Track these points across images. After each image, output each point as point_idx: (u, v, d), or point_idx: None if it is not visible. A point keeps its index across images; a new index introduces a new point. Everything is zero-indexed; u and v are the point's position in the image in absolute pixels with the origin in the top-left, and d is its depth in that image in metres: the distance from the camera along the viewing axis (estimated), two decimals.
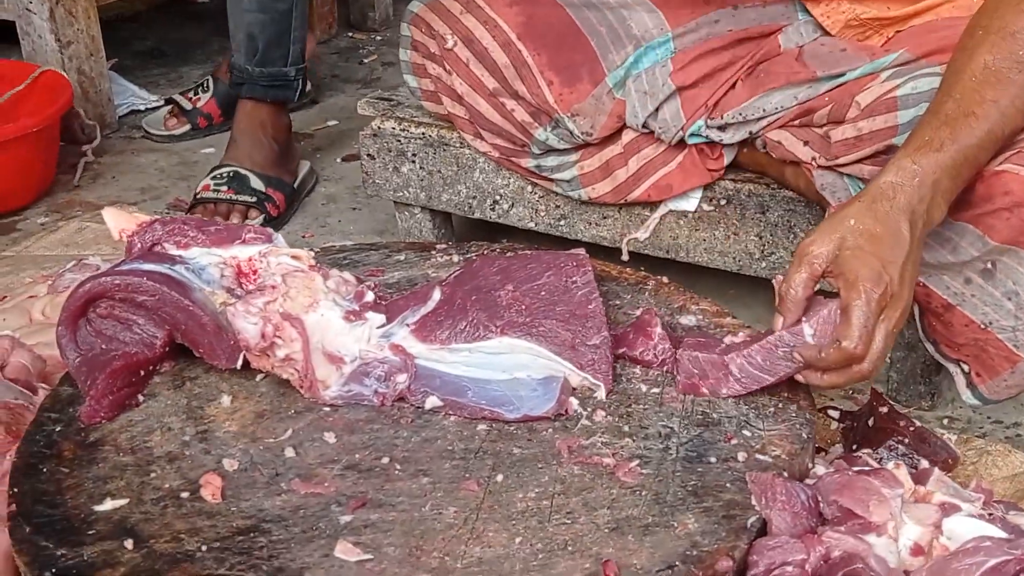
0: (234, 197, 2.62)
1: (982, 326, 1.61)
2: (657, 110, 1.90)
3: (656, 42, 1.92)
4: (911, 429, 1.68)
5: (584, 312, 1.49)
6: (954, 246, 1.60)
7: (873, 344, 1.39)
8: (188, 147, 3.12)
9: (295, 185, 2.77)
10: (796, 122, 1.81)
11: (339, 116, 3.30)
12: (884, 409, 1.71)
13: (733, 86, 1.89)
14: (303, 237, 2.61)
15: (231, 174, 2.66)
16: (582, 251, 1.59)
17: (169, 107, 3.23)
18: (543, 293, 1.51)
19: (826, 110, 1.76)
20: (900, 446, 1.65)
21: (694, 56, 1.88)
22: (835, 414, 1.86)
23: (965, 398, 1.71)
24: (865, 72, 1.76)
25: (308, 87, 3.20)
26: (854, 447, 1.70)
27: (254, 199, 2.63)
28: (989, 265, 1.58)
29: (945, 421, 1.92)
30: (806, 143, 1.79)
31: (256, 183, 2.65)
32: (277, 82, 2.74)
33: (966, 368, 1.68)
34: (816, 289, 1.44)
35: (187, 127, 3.16)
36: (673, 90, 1.87)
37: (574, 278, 1.53)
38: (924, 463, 1.58)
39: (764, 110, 1.82)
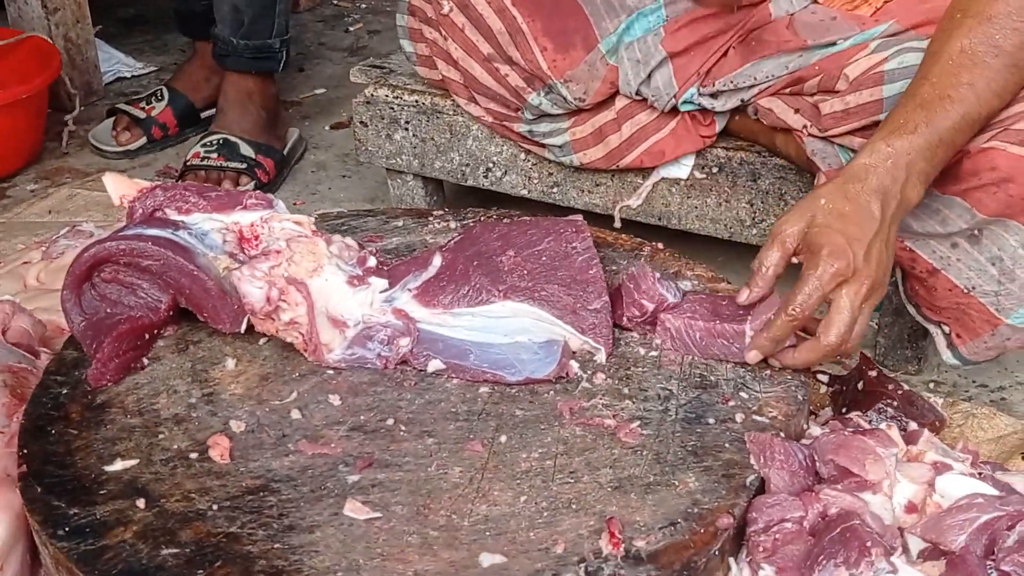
0: (224, 164, 2.63)
1: (965, 290, 1.64)
2: (649, 77, 1.92)
3: (648, 9, 1.94)
4: (899, 392, 1.71)
5: (585, 277, 1.51)
6: (943, 218, 1.63)
7: (837, 318, 1.42)
8: None
9: (284, 152, 2.78)
10: (787, 90, 1.83)
11: (326, 84, 3.30)
12: (873, 373, 1.74)
13: (725, 53, 1.91)
14: (294, 204, 2.62)
15: (221, 141, 2.67)
16: (579, 217, 1.62)
17: (114, 118, 2.98)
18: (544, 258, 1.54)
19: (816, 80, 1.78)
20: (889, 409, 1.69)
21: (685, 22, 1.90)
22: (824, 378, 1.89)
23: (945, 358, 1.74)
24: (855, 42, 1.78)
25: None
26: (844, 410, 1.73)
27: (244, 165, 2.63)
28: (976, 231, 1.61)
29: (931, 385, 1.95)
30: (797, 111, 1.81)
31: (246, 150, 2.66)
32: (262, 54, 2.74)
33: (947, 329, 1.72)
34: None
35: (143, 139, 2.92)
36: (665, 56, 1.88)
37: (574, 244, 1.55)
38: (913, 425, 1.62)
39: (755, 78, 1.84)
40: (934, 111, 1.50)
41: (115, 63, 3.40)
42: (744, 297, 1.47)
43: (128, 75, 3.38)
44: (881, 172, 1.48)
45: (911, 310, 1.75)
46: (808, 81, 1.79)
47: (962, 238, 1.63)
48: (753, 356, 1.45)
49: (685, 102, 1.91)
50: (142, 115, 2.93)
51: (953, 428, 1.79)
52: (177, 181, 2.61)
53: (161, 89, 2.99)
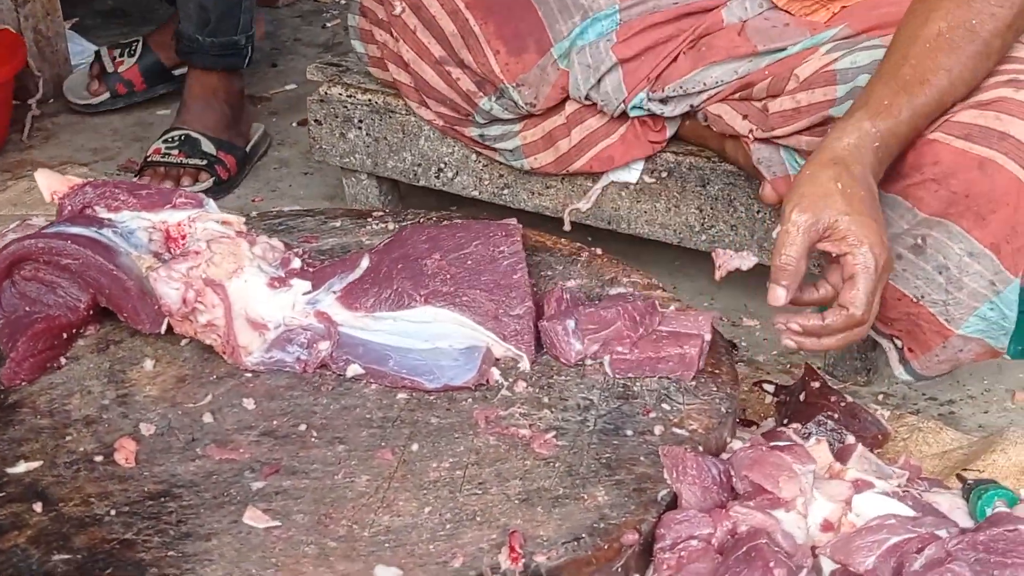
0: (184, 160, 2.60)
1: (914, 299, 1.61)
2: (599, 82, 1.89)
3: (603, 14, 1.91)
4: (842, 404, 1.69)
5: (509, 282, 1.49)
6: (887, 219, 1.61)
7: (874, 308, 1.42)
8: (145, 107, 3.08)
9: (247, 149, 2.75)
10: (736, 96, 1.80)
11: (298, 80, 3.25)
12: (816, 384, 1.72)
13: (675, 59, 1.87)
14: (252, 201, 2.59)
15: (182, 137, 2.64)
16: (513, 220, 1.59)
17: (91, 65, 3.01)
18: (469, 262, 1.51)
19: (765, 83, 1.75)
20: (829, 421, 1.66)
21: (638, 29, 1.87)
22: (770, 388, 1.87)
23: (898, 374, 1.71)
24: (805, 47, 1.75)
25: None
26: (785, 421, 1.70)
27: (204, 162, 2.60)
28: (919, 240, 1.58)
29: (880, 397, 1.92)
30: (744, 116, 1.78)
31: (207, 146, 2.63)
32: (228, 51, 2.70)
33: (899, 344, 1.69)
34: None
35: (105, 95, 2.96)
36: (615, 62, 1.86)
37: (501, 248, 1.52)
38: (851, 439, 1.59)
39: (705, 84, 1.81)
40: (915, 95, 1.48)
41: (87, 56, 3.35)
42: (781, 297, 1.41)
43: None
44: (869, 154, 1.46)
45: None
46: (757, 85, 1.76)
47: (905, 248, 1.60)
48: (797, 341, 1.44)
49: (634, 107, 1.88)
50: (111, 68, 2.97)
51: (897, 442, 1.76)
52: (137, 176, 2.60)
53: (138, 41, 3.00)
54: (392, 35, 2.05)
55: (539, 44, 1.93)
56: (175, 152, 2.62)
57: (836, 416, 1.67)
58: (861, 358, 1.93)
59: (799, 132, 1.72)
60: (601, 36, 1.90)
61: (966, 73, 1.50)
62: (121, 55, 2.99)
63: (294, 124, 2.99)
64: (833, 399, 1.69)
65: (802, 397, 1.72)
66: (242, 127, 2.76)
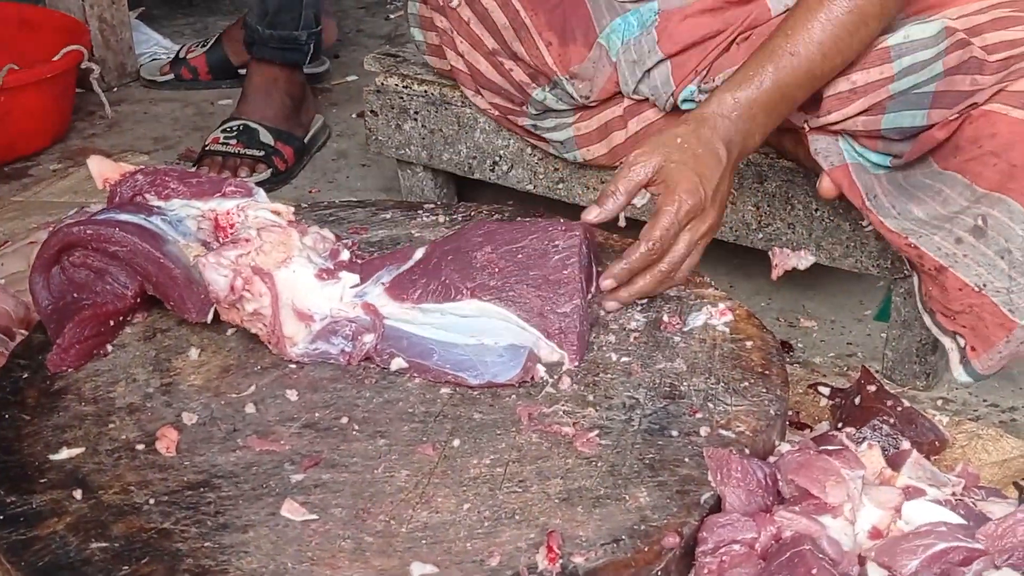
0: (242, 151, 2.61)
1: (976, 288, 1.57)
2: (647, 75, 1.86)
3: (644, 6, 1.88)
4: (899, 409, 1.64)
5: (558, 278, 1.46)
6: (944, 197, 1.59)
7: (675, 248, 1.51)
8: (205, 97, 3.10)
9: (306, 140, 2.75)
10: None
11: (359, 71, 3.25)
12: (872, 388, 1.67)
13: (727, 49, 1.84)
14: (309, 192, 2.59)
15: (241, 127, 2.65)
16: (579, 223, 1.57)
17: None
18: (520, 256, 1.48)
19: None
20: (885, 426, 1.62)
21: (680, 19, 1.83)
22: (825, 391, 1.83)
23: (957, 375, 1.67)
24: None
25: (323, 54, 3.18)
26: (839, 425, 1.66)
27: (262, 153, 2.61)
28: (980, 222, 1.54)
29: (939, 402, 1.87)
30: (799, 107, 1.74)
31: (265, 137, 2.63)
32: (287, 45, 2.71)
33: (962, 342, 1.64)
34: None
35: (170, 76, 3.15)
36: (661, 57, 1.82)
37: (556, 243, 1.49)
38: (905, 444, 1.55)
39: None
40: (781, 66, 1.58)
41: (152, 44, 3.39)
42: (593, 215, 1.52)
43: (164, 57, 3.37)
44: (727, 123, 1.57)
45: (926, 319, 1.67)
46: None
47: (965, 231, 1.56)
48: (608, 284, 1.51)
49: (685, 100, 1.84)
50: (183, 54, 3.17)
51: (955, 449, 1.71)
52: (195, 165, 2.61)
53: (217, 36, 3.16)
54: (451, 23, 2.04)
55: (586, 36, 1.91)
56: (233, 142, 2.63)
57: (892, 421, 1.63)
58: (921, 362, 1.88)
59: (854, 116, 1.67)
60: (643, 27, 1.87)
61: (840, 43, 1.59)
62: (198, 45, 3.16)
63: (353, 116, 3.00)
64: (890, 403, 1.65)
65: (858, 400, 1.68)
66: (302, 118, 2.76)
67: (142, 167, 1.63)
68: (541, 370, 1.41)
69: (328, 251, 1.51)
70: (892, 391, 1.69)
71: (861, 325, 2.07)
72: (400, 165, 2.31)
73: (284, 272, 1.43)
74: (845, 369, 1.93)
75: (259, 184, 2.37)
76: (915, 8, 1.68)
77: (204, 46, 3.16)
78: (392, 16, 3.74)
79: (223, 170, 2.57)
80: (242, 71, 2.99)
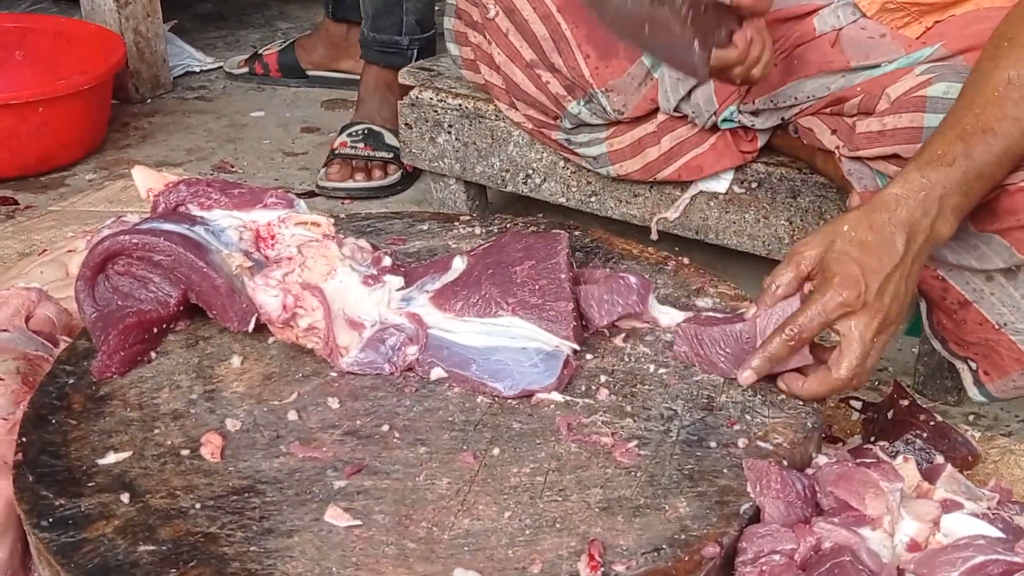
0: (372, 153, 2.69)
1: (996, 326, 1.58)
2: (689, 94, 1.87)
3: None
4: (931, 423, 1.65)
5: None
6: (980, 254, 1.58)
7: (848, 351, 1.37)
8: (238, 109, 3.15)
9: None
10: (827, 110, 1.77)
11: None
12: (905, 402, 1.69)
13: None
14: (342, 203, 2.62)
15: (366, 131, 2.74)
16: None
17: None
18: (562, 274, 1.50)
19: (857, 100, 1.72)
20: (918, 440, 1.63)
21: None
22: (857, 404, 1.84)
23: (971, 394, 1.68)
24: (900, 65, 1.71)
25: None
26: (872, 439, 1.67)
27: (391, 155, 2.68)
28: (1014, 267, 1.54)
29: (971, 417, 1.88)
30: (834, 132, 1.76)
31: (391, 139, 2.70)
32: (389, 49, 2.80)
33: (973, 366, 1.65)
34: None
35: (245, 69, 3.39)
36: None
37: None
38: (939, 459, 1.56)
39: (796, 98, 1.79)
40: (974, 143, 1.44)
41: (185, 57, 3.44)
42: (751, 313, 1.42)
43: (197, 70, 3.42)
44: (912, 204, 1.42)
45: (936, 345, 1.69)
46: (849, 101, 1.73)
47: (998, 272, 1.56)
48: (747, 376, 1.39)
49: (725, 119, 1.87)
50: (259, 49, 3.45)
51: (988, 464, 1.72)
52: (325, 167, 2.68)
53: (292, 39, 3.41)
54: (485, 37, 2.06)
55: (628, 51, 1.92)
56: (361, 145, 2.72)
57: (925, 435, 1.64)
58: (952, 377, 1.89)
59: (884, 158, 1.68)
60: None
61: None
62: (275, 43, 3.45)
63: None
64: (922, 418, 1.66)
65: (890, 415, 1.69)
66: None
67: (185, 177, 1.65)
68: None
69: (368, 259, 1.53)
70: (924, 406, 1.70)
71: (890, 341, 2.07)
72: (433, 177, 2.34)
73: (332, 283, 1.45)
74: (876, 383, 1.94)
75: (390, 186, 2.55)
76: (967, 47, 1.69)
77: (280, 46, 3.40)
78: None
79: (354, 172, 2.66)
80: (310, 72, 3.33)
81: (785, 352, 1.37)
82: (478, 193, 2.34)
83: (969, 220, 1.53)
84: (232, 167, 2.80)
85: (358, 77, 2.92)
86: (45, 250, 2.28)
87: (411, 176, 2.72)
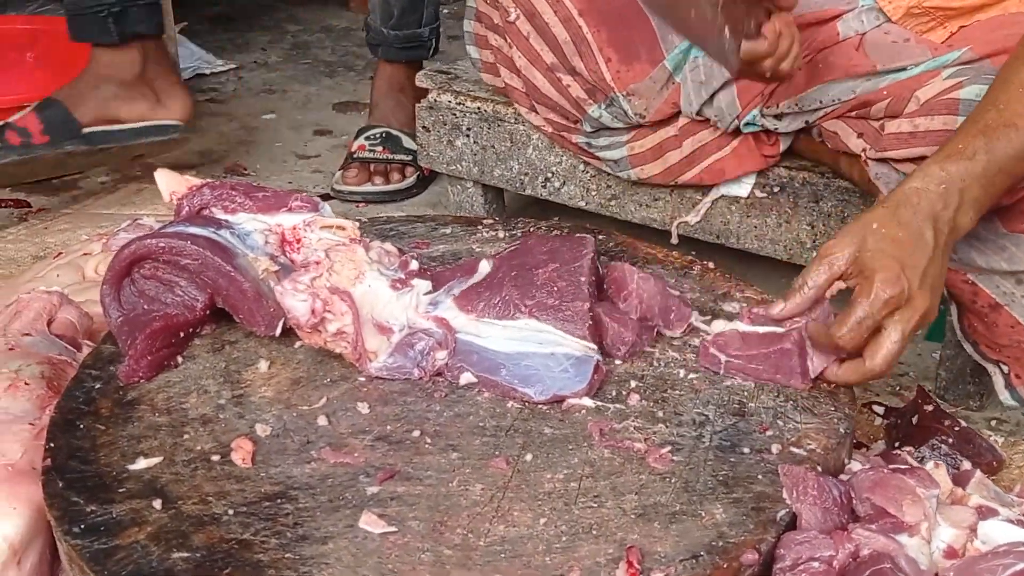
0: (391, 156, 2.68)
1: None
2: (712, 98, 1.87)
3: None
4: (956, 429, 1.65)
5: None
6: (1010, 255, 1.57)
7: (885, 344, 1.38)
8: (250, 112, 3.14)
9: None
10: (852, 113, 1.77)
11: None
12: (929, 407, 1.68)
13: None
14: (356, 207, 2.61)
15: (384, 135, 2.72)
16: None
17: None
18: (582, 276, 1.50)
19: (884, 103, 1.72)
20: (943, 446, 1.63)
21: None
22: (880, 410, 1.83)
23: (1003, 399, 1.68)
24: (927, 68, 1.71)
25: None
26: (896, 444, 1.67)
27: (409, 157, 2.67)
28: None
29: (993, 422, 1.88)
30: (859, 135, 1.75)
31: (408, 143, 2.68)
32: (411, 44, 2.77)
33: (1005, 369, 1.65)
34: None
35: None
36: (728, 79, 1.84)
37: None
38: (967, 464, 1.55)
39: (821, 102, 1.78)
40: (996, 138, 1.44)
41: (196, 59, 3.43)
42: (778, 310, 1.44)
43: (208, 71, 3.42)
44: (933, 197, 1.43)
45: (968, 348, 1.68)
46: (875, 105, 1.73)
47: None
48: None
49: (748, 123, 1.86)
50: (9, 119, 2.48)
51: (1012, 469, 1.72)
52: (343, 171, 2.68)
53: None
54: (506, 41, 2.06)
55: (650, 53, 1.92)
56: (379, 148, 2.70)
57: (950, 440, 1.64)
58: (974, 382, 1.88)
59: (913, 160, 1.68)
60: None
61: None
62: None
63: None
64: (947, 423, 1.66)
65: (915, 420, 1.69)
66: None
67: (209, 181, 1.65)
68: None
69: (396, 263, 1.53)
70: (947, 411, 1.69)
71: (912, 345, 2.07)
72: (450, 180, 2.33)
73: (360, 288, 1.44)
74: (898, 388, 1.94)
75: (406, 189, 2.54)
76: (994, 51, 1.68)
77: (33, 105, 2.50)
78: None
79: (373, 176, 2.65)
80: (87, 130, 2.47)
81: (832, 352, 1.40)
82: (495, 196, 2.33)
83: (999, 220, 1.53)
84: (245, 170, 2.79)
85: (172, 122, 2.54)
86: (60, 253, 2.27)
87: (426, 179, 2.71)
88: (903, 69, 1.74)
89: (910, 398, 1.77)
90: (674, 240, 2.03)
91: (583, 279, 1.48)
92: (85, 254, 2.21)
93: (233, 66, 3.47)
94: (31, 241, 2.40)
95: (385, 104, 2.78)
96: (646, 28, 1.93)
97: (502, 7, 2.04)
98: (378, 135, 2.72)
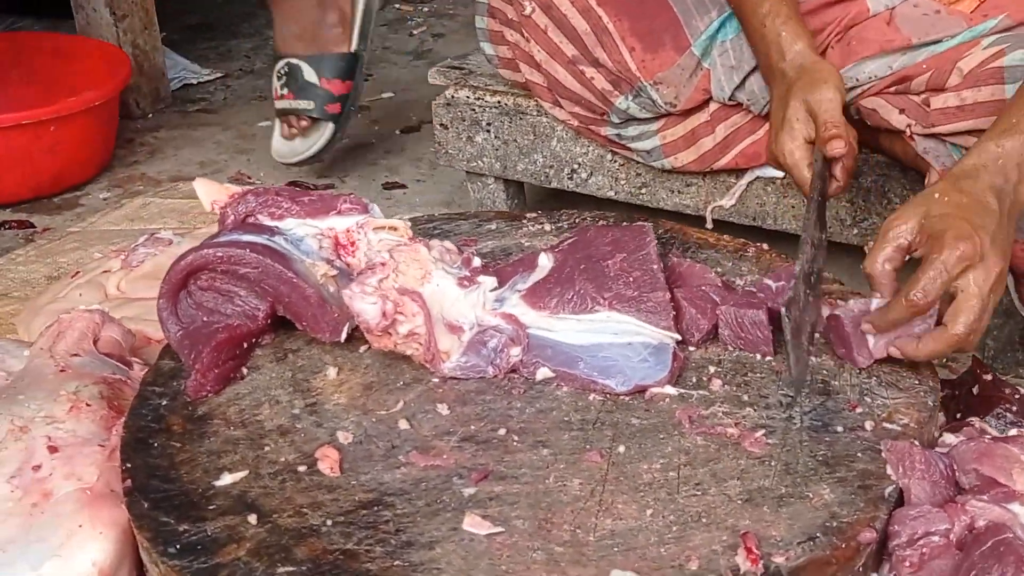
0: (294, 104, 2.49)
1: None
2: (744, 82, 1.85)
3: None
4: (1016, 396, 1.64)
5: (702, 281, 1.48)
6: None
7: (966, 304, 1.34)
8: (244, 120, 3.09)
9: (354, 48, 2.52)
10: (891, 89, 1.76)
11: (394, 88, 3.26)
12: (988, 377, 1.67)
13: (823, 52, 1.83)
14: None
15: (285, 69, 2.49)
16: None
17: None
18: (654, 265, 1.49)
19: (924, 77, 1.70)
20: (1008, 414, 1.61)
21: None
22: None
23: None
24: (964, 39, 1.70)
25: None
26: (958, 416, 1.66)
27: (311, 104, 2.47)
28: None
29: None
30: (902, 111, 1.74)
31: (309, 75, 2.46)
32: None
33: None
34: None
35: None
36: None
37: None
38: None
39: (858, 79, 1.77)
40: None
41: (181, 69, 3.38)
42: (875, 304, 1.39)
43: (195, 81, 3.36)
44: (992, 171, 1.42)
45: None
46: (915, 79, 1.72)
47: None
48: (866, 329, 1.38)
49: None
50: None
51: None
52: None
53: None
54: (523, 35, 2.03)
55: (676, 40, 1.90)
56: (286, 92, 2.51)
57: (1014, 408, 1.63)
58: (1023, 350, 1.88)
59: (964, 133, 1.67)
60: (740, 31, 1.87)
61: None
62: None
63: (397, 132, 2.99)
64: (1008, 391, 1.65)
65: (975, 390, 1.68)
66: (331, 16, 2.52)
67: (252, 187, 1.61)
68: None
69: (458, 261, 1.51)
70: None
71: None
72: (469, 177, 2.30)
73: (428, 287, 1.42)
74: (946, 361, 1.93)
75: (325, 146, 2.39)
76: None
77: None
78: (415, 32, 3.74)
79: (294, 133, 2.52)
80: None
81: (908, 316, 1.35)
82: (517, 191, 2.31)
83: None
84: (249, 178, 2.74)
85: None
86: (78, 272, 2.21)
87: (342, 117, 2.46)
88: (938, 42, 1.73)
89: (959, 370, 1.77)
90: (708, 225, 2.02)
91: (656, 267, 1.46)
92: (105, 271, 2.16)
93: (220, 75, 3.42)
94: (42, 262, 2.34)
95: (279, 14, 2.46)
96: (668, 14, 1.91)
97: (516, 1, 2.02)
98: (282, 72, 2.46)
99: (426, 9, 3.92)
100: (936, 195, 1.41)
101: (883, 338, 1.39)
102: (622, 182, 2.09)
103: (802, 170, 1.61)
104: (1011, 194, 1.43)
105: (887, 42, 1.76)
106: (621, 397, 1.38)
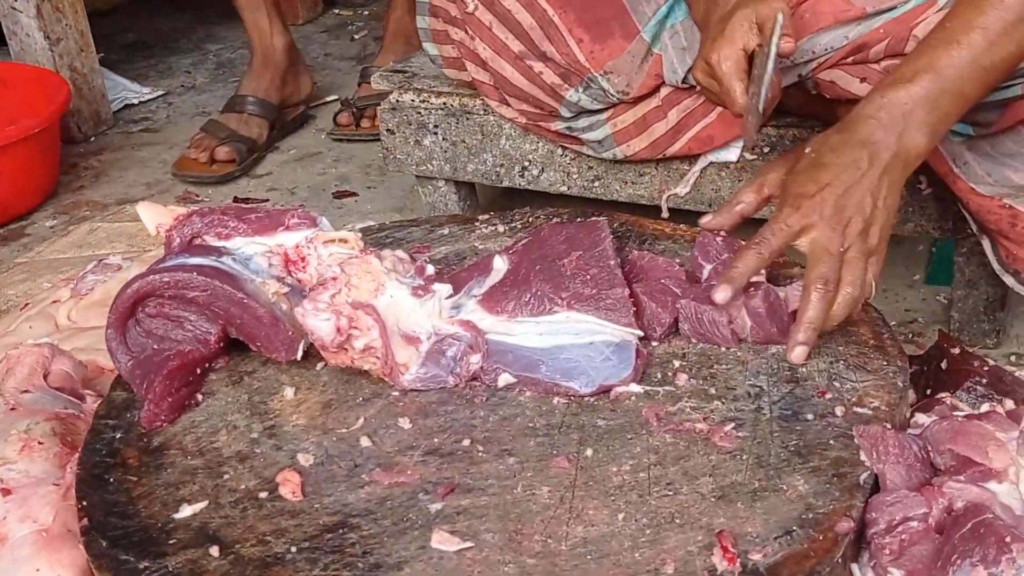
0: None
1: None
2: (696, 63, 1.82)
3: None
4: (986, 368, 1.63)
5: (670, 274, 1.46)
6: None
7: (815, 261, 1.37)
8: (186, 137, 3.03)
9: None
10: (849, 59, 1.73)
11: (339, 94, 3.22)
12: (955, 350, 1.65)
13: None
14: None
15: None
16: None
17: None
18: (611, 261, 1.46)
19: (882, 45, 1.68)
20: (978, 387, 1.60)
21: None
22: None
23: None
24: (919, 2, 1.68)
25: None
26: (927, 392, 1.64)
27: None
28: None
29: (1012, 358, 1.87)
30: (863, 80, 1.71)
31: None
32: None
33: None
34: None
35: None
36: None
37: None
38: (1009, 403, 1.53)
39: (813, 52, 1.74)
40: (938, 57, 1.45)
41: (121, 90, 3.33)
42: (706, 219, 1.50)
43: (136, 101, 3.31)
44: (873, 123, 1.44)
45: (1009, 280, 1.66)
46: (873, 47, 1.69)
47: None
48: (722, 294, 1.37)
49: None
50: None
51: None
52: None
53: None
54: (467, 33, 1.99)
55: (624, 28, 1.87)
56: None
57: (984, 381, 1.61)
58: (989, 319, 1.87)
59: None
60: (689, 14, 1.84)
61: (1009, 27, 1.44)
62: None
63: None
64: (976, 364, 1.63)
65: (943, 365, 1.66)
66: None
67: (196, 208, 1.57)
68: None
69: (411, 270, 1.47)
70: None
71: (914, 291, 2.06)
72: (420, 181, 2.26)
73: (382, 299, 1.38)
74: (911, 336, 1.92)
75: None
76: None
77: None
78: (357, 37, 3.70)
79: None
80: None
81: (755, 264, 1.39)
82: (468, 192, 2.27)
83: None
84: (197, 196, 2.69)
85: None
86: (27, 304, 2.17)
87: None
88: (893, 8, 1.70)
89: (926, 344, 1.75)
90: (664, 214, 1.99)
91: (612, 263, 1.43)
92: (54, 302, 2.11)
93: (161, 92, 3.36)
94: None
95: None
96: (614, 3, 1.88)
97: None
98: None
99: (366, 13, 3.87)
100: (808, 149, 1.45)
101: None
102: (574, 176, 2.06)
103: (732, 78, 1.57)
104: (892, 146, 1.43)
105: (842, 12, 1.73)
106: (586, 399, 1.35)
